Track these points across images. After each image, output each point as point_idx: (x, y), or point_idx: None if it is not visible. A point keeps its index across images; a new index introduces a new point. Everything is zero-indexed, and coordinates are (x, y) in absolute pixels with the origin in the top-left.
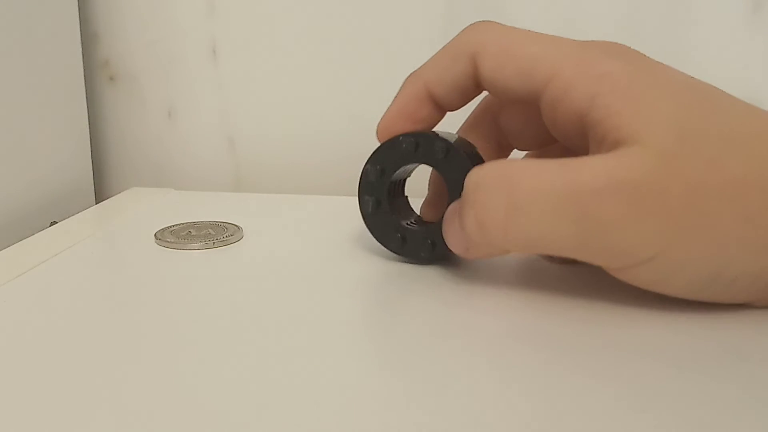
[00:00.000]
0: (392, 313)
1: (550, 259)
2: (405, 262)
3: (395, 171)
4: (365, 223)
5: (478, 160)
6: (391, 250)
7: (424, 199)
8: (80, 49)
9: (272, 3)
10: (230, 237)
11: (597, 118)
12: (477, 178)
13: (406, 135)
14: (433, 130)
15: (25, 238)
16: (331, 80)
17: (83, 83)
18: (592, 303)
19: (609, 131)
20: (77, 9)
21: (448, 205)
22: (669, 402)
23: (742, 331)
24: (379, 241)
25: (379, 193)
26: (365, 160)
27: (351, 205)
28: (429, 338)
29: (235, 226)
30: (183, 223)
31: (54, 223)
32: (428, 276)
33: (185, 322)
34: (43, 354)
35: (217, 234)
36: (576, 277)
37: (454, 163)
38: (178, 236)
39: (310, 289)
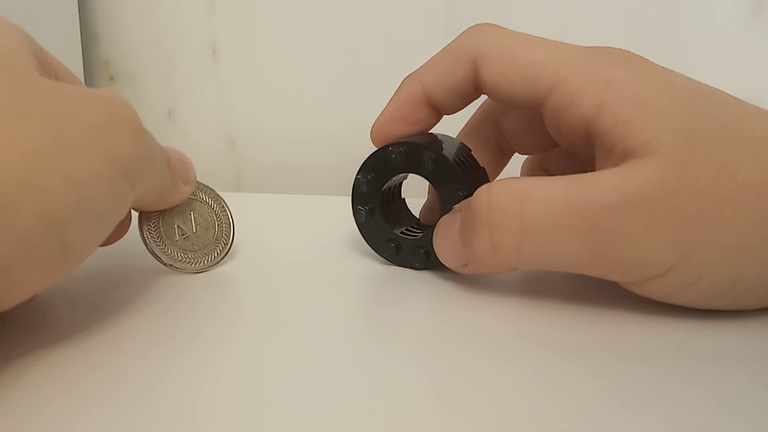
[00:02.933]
0: (391, 313)
1: None
2: None
3: (387, 180)
4: (360, 232)
5: (472, 168)
6: (385, 259)
7: (423, 203)
8: (80, 49)
9: (272, 3)
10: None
11: (604, 127)
12: (489, 197)
13: (395, 144)
14: (431, 132)
15: None
16: (332, 80)
17: (83, 83)
18: (592, 304)
19: (618, 141)
20: (77, 9)
21: (441, 216)
22: (670, 403)
23: (745, 332)
24: (374, 250)
25: (372, 203)
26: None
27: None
28: (429, 339)
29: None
30: None
31: None
32: (427, 276)
33: (181, 322)
34: (39, 354)
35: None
36: (575, 277)
37: (444, 173)
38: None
39: (309, 290)
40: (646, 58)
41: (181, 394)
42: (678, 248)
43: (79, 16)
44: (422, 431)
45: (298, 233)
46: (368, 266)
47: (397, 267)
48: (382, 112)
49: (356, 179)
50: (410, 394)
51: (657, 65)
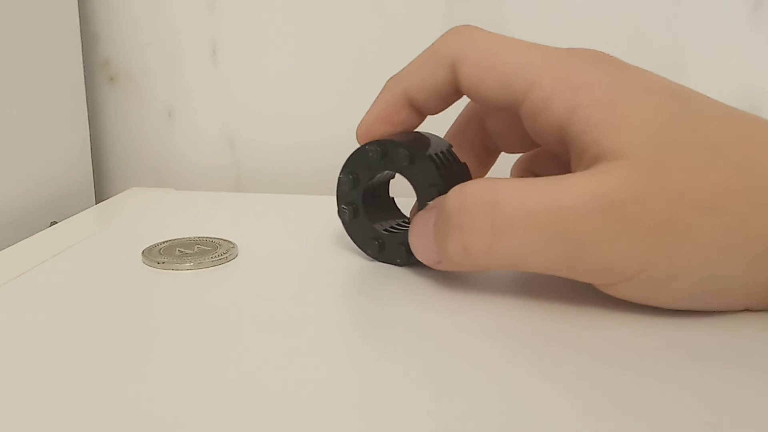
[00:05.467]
0: (377, 309)
1: None
2: None
3: (368, 179)
4: (345, 230)
5: (450, 164)
6: (369, 256)
7: (414, 203)
8: (80, 49)
9: (272, 3)
10: (224, 255)
11: (576, 130)
12: (460, 199)
13: (372, 143)
14: (417, 130)
15: (25, 238)
16: (331, 81)
17: (83, 83)
18: (583, 300)
19: (589, 145)
20: (77, 9)
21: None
22: (668, 402)
23: (742, 329)
24: (359, 247)
25: (355, 201)
26: None
27: None
28: (426, 337)
29: (230, 242)
30: (172, 240)
31: (54, 223)
32: (427, 276)
33: (178, 321)
34: (42, 354)
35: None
36: None
37: (420, 170)
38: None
39: (308, 290)
40: (622, 60)
41: (176, 397)
42: (645, 253)
43: (79, 16)
44: (417, 427)
45: (297, 233)
46: (356, 263)
47: (396, 267)
48: (365, 115)
49: (339, 179)
50: (401, 389)
51: (634, 67)
